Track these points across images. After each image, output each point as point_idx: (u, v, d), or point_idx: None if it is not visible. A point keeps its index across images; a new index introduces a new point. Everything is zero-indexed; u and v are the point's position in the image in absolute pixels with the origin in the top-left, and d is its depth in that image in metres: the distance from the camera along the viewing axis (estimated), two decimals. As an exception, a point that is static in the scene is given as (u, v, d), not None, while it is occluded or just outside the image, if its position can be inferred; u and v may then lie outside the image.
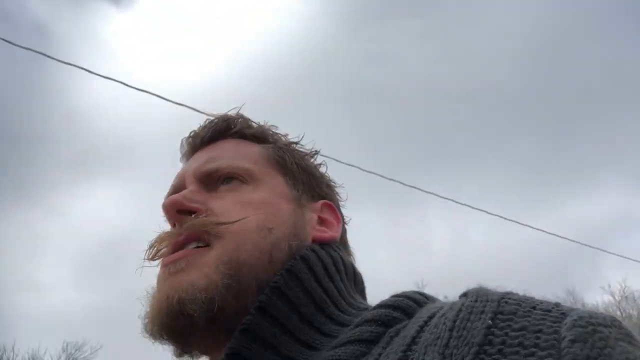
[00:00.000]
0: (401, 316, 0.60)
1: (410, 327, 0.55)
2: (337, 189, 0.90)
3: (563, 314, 0.48)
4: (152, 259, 0.73)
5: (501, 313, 0.49)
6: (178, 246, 0.70)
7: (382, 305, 0.62)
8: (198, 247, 0.69)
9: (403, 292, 0.64)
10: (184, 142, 0.86)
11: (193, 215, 0.71)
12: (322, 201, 0.82)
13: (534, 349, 0.44)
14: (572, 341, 0.44)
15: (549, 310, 0.49)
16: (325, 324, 0.66)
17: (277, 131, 0.88)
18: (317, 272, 0.70)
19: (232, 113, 0.87)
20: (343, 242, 0.84)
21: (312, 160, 0.88)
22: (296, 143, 0.88)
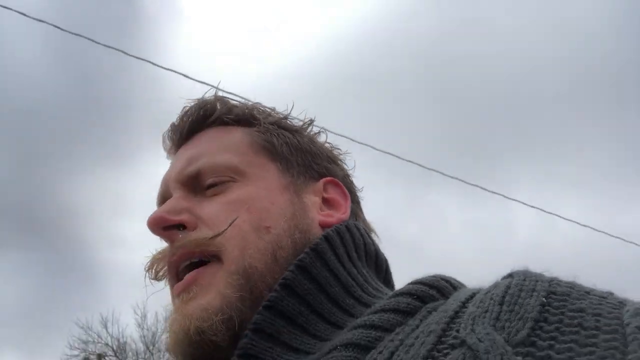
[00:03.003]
0: (437, 295, 0.56)
1: (450, 304, 0.52)
2: (341, 157, 0.82)
3: (620, 302, 0.45)
4: (156, 279, 0.71)
5: (554, 293, 0.45)
6: (174, 266, 0.67)
7: (417, 282, 0.59)
8: (201, 262, 0.65)
9: (437, 274, 0.60)
10: (166, 137, 0.80)
11: (182, 229, 0.67)
12: (323, 179, 0.75)
13: (595, 332, 0.41)
14: (639, 328, 0.40)
15: (605, 297, 0.46)
16: (355, 307, 0.62)
17: (262, 108, 0.80)
18: (340, 255, 0.66)
19: (210, 96, 0.79)
20: (355, 216, 0.77)
21: (307, 132, 0.80)
22: (285, 117, 0.80)
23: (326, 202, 0.74)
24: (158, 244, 0.72)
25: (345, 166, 0.82)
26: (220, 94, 0.80)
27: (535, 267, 0.52)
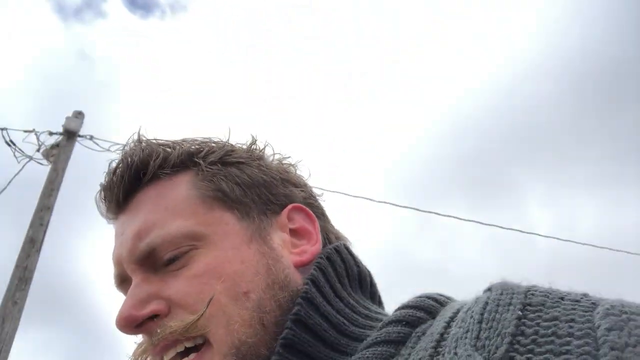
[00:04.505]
0: (425, 316, 0.58)
1: (436, 326, 0.54)
2: (292, 172, 0.76)
3: (593, 303, 0.46)
4: None
5: (529, 305, 0.47)
6: (159, 356, 0.64)
7: (404, 307, 0.61)
8: (186, 349, 0.63)
9: (423, 293, 0.62)
10: (99, 202, 0.73)
11: (155, 319, 0.63)
12: (286, 209, 0.71)
13: (568, 338, 0.43)
14: (608, 329, 0.42)
15: (578, 300, 0.47)
16: (349, 345, 0.62)
17: (197, 144, 0.72)
18: (327, 295, 0.65)
19: (132, 145, 0.72)
20: (326, 234, 0.74)
21: (253, 157, 0.73)
22: (226, 150, 0.72)
23: (295, 233, 0.71)
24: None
25: (300, 179, 0.77)
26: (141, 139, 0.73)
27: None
